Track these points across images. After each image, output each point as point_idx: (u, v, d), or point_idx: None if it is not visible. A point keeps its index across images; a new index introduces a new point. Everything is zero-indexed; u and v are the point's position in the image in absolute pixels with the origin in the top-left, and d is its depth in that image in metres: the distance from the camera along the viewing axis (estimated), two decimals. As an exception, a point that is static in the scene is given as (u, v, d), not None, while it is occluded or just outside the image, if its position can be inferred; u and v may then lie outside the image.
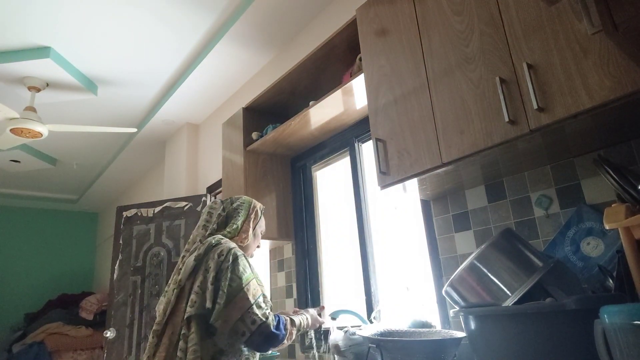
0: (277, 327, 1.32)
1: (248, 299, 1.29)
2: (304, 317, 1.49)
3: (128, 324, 3.26)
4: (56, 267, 6.01)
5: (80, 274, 6.15)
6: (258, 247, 1.65)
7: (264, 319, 1.29)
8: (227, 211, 1.55)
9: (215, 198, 3.49)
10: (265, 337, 1.29)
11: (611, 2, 0.75)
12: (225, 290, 1.28)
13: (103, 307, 4.91)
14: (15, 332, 4.97)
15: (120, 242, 3.48)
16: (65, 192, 5.70)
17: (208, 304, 1.26)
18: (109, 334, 3.24)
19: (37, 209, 6.07)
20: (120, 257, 3.44)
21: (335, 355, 1.54)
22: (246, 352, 1.35)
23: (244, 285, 1.31)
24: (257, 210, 1.61)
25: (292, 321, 1.41)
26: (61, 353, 4.56)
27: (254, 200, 1.63)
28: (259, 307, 1.31)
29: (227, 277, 1.29)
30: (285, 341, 1.35)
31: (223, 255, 1.34)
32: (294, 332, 1.40)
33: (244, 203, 1.58)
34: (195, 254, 1.38)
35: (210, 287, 1.28)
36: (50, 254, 6.01)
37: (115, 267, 3.42)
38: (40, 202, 5.92)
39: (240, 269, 1.33)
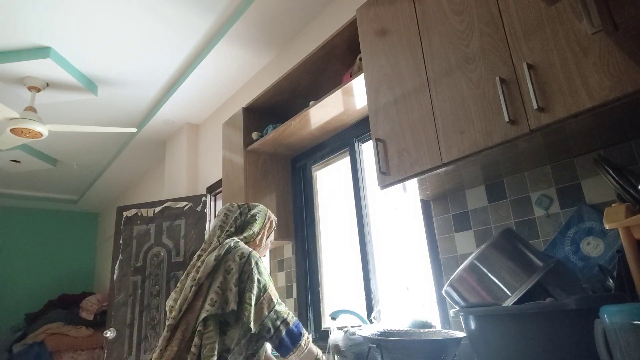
0: (297, 325, 1.39)
1: (272, 298, 1.36)
2: (318, 351, 1.50)
3: (128, 324, 3.26)
4: (56, 267, 6.01)
5: (80, 274, 6.16)
6: (264, 256, 1.69)
7: (285, 316, 1.36)
8: (244, 217, 1.59)
9: (215, 198, 3.49)
10: (286, 332, 1.35)
11: (611, 2, 0.75)
12: (254, 292, 1.32)
13: (103, 307, 4.91)
14: (15, 332, 4.97)
15: (121, 242, 3.48)
16: (65, 192, 5.70)
17: (232, 306, 1.29)
18: (109, 334, 3.24)
19: (38, 209, 6.07)
20: (120, 257, 3.44)
21: (335, 355, 1.54)
22: (249, 351, 1.36)
23: (268, 287, 1.38)
24: (271, 221, 1.67)
25: (308, 335, 1.45)
26: (61, 353, 4.56)
27: (269, 211, 1.69)
28: (280, 304, 1.39)
29: (253, 279, 1.34)
30: (302, 343, 1.38)
31: (245, 257, 1.38)
32: (310, 342, 1.42)
33: (260, 212, 1.63)
34: (215, 253, 1.40)
35: (234, 288, 1.31)
36: (50, 254, 6.01)
37: (116, 267, 3.42)
38: (41, 202, 5.92)
39: (262, 270, 1.39)
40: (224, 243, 1.44)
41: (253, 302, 1.31)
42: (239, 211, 1.60)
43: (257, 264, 1.38)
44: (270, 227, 1.66)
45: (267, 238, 1.64)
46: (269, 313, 1.33)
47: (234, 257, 1.37)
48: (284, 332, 1.34)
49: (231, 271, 1.34)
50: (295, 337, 1.37)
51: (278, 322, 1.34)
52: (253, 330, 1.30)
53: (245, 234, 1.54)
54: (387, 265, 2.06)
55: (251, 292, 1.32)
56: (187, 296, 1.37)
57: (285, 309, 1.39)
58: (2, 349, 4.89)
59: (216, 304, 1.30)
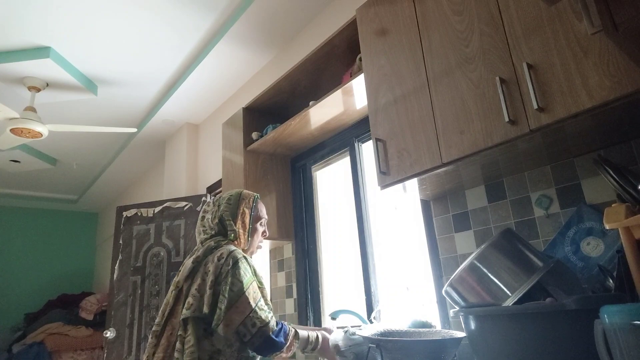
0: (278, 334, 1.30)
1: (249, 303, 1.28)
2: (315, 335, 1.43)
3: (128, 324, 3.26)
4: (56, 267, 6.01)
5: (80, 274, 6.15)
6: (264, 234, 1.57)
7: (265, 322, 1.28)
8: (219, 215, 1.48)
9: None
10: (264, 340, 1.27)
11: (611, 2, 0.75)
12: (227, 295, 1.26)
13: (103, 307, 4.91)
14: (15, 332, 4.98)
15: (120, 242, 3.48)
16: (65, 192, 5.70)
17: (205, 309, 1.24)
18: (109, 334, 3.24)
19: (37, 209, 6.07)
20: (120, 257, 3.44)
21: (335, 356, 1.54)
22: (243, 352, 1.34)
23: (244, 290, 1.29)
24: (245, 203, 1.51)
25: (295, 333, 1.37)
26: (61, 353, 4.56)
27: (242, 193, 1.53)
28: (261, 309, 1.30)
29: (227, 282, 1.27)
30: (284, 350, 1.32)
31: (223, 258, 1.31)
32: (295, 344, 1.36)
33: (230, 202, 1.49)
34: (194, 256, 1.38)
35: (208, 291, 1.27)
36: (50, 254, 6.01)
37: (115, 267, 3.42)
38: (40, 202, 5.92)
39: (241, 272, 1.31)
40: (204, 244, 1.41)
41: (224, 307, 1.24)
42: (213, 209, 1.50)
43: (235, 264, 1.30)
44: (244, 211, 1.49)
45: (249, 225, 1.49)
46: (244, 319, 1.25)
47: (213, 258, 1.33)
48: (261, 340, 1.26)
49: (209, 273, 1.30)
50: (274, 346, 1.29)
51: (254, 330, 1.25)
52: (222, 335, 1.24)
53: (228, 235, 1.45)
54: (387, 265, 2.06)
55: (224, 295, 1.25)
56: (169, 301, 1.35)
57: (265, 316, 1.29)
58: (2, 349, 4.89)
59: (192, 306, 1.26)
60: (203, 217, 1.52)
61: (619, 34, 0.76)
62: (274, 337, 1.28)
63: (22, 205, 5.92)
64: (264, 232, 1.58)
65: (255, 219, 1.54)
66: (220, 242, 1.40)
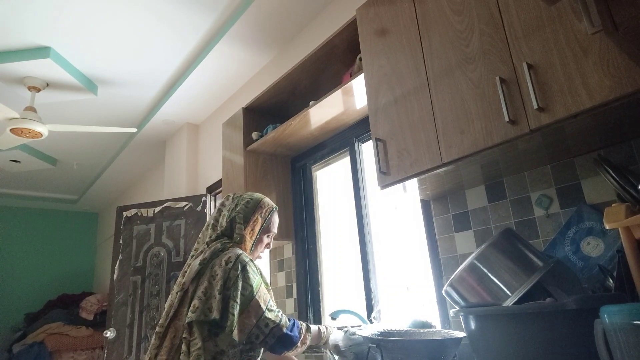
0: (292, 329, 1.32)
1: (260, 305, 1.29)
2: (324, 328, 1.46)
3: (128, 324, 3.26)
4: (56, 267, 6.01)
5: (80, 274, 6.16)
6: (267, 246, 1.58)
7: (277, 322, 1.30)
8: (234, 213, 1.48)
9: (215, 198, 3.49)
10: (278, 338, 1.29)
11: (611, 2, 0.75)
12: (238, 300, 1.26)
13: (103, 307, 4.91)
14: (15, 332, 4.98)
15: (121, 242, 3.48)
16: (65, 192, 5.70)
17: (215, 315, 1.24)
18: (109, 334, 3.24)
19: (37, 209, 6.07)
20: (120, 257, 3.44)
21: (336, 355, 1.54)
22: (247, 352, 1.34)
23: (255, 293, 1.30)
24: (263, 211, 1.52)
25: (307, 327, 1.39)
26: (61, 353, 4.56)
27: (262, 201, 1.53)
28: (271, 310, 1.31)
29: (238, 287, 1.27)
30: (299, 345, 1.34)
31: (231, 262, 1.31)
32: (309, 337, 1.38)
33: (248, 204, 1.50)
34: (200, 257, 1.36)
35: (217, 296, 1.26)
36: (50, 254, 6.01)
37: (116, 267, 3.43)
38: (40, 202, 5.92)
39: (250, 276, 1.31)
40: (211, 245, 1.39)
41: (236, 312, 1.24)
42: (234, 204, 1.50)
43: (244, 269, 1.30)
44: (257, 219, 1.49)
45: (257, 234, 1.49)
46: (257, 322, 1.27)
47: (220, 261, 1.32)
48: (274, 339, 1.28)
49: (216, 277, 1.29)
50: (290, 341, 1.31)
51: (267, 330, 1.27)
52: (237, 341, 1.24)
53: (234, 237, 1.44)
54: (387, 265, 2.06)
55: (235, 300, 1.25)
56: (173, 302, 1.34)
57: (276, 315, 1.31)
58: (2, 349, 4.89)
59: (198, 310, 1.25)
60: (220, 210, 1.51)
61: (619, 34, 0.76)
62: (288, 332, 1.31)
63: (22, 205, 5.92)
64: (268, 244, 1.59)
65: (265, 230, 1.54)
66: (226, 244, 1.40)
